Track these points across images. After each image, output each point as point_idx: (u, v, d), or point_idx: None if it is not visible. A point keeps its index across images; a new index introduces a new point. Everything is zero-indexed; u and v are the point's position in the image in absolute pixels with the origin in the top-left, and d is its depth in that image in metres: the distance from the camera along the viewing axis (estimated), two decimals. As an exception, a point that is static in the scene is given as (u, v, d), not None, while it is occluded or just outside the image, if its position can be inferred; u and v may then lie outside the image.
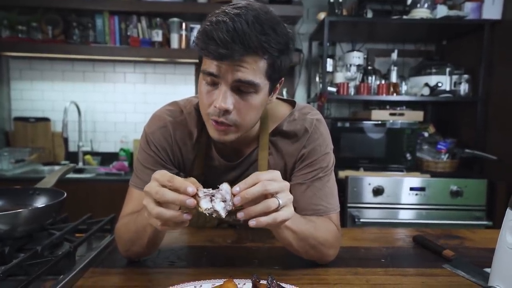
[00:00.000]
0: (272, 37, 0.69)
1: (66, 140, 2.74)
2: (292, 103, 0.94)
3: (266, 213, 0.63)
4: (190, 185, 0.61)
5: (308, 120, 0.89)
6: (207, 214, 0.61)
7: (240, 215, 0.62)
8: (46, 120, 2.73)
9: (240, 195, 0.61)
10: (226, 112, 0.72)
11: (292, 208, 0.67)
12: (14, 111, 2.76)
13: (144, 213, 0.71)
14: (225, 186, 0.62)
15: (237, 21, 0.66)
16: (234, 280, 0.62)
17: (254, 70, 0.70)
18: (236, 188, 0.62)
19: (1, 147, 2.62)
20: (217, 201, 0.61)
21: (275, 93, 0.82)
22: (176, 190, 0.61)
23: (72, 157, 2.71)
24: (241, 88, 0.72)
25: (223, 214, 0.61)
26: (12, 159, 2.37)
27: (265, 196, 0.63)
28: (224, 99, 0.71)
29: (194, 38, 0.76)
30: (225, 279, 0.64)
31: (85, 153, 2.70)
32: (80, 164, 2.64)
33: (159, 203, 0.63)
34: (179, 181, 0.61)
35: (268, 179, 0.63)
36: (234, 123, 0.74)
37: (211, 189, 0.63)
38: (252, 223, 0.63)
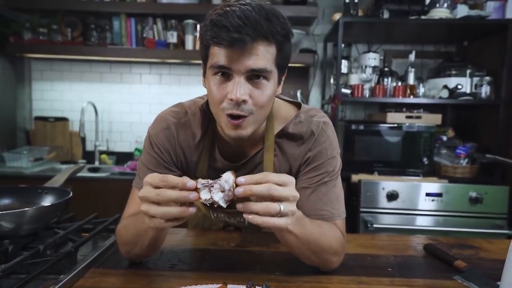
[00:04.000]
0: (276, 23, 0.71)
1: (83, 140, 2.81)
2: (297, 104, 0.93)
3: (263, 215, 0.62)
4: (189, 179, 0.62)
5: (314, 122, 0.87)
6: (208, 204, 0.62)
7: (239, 206, 0.63)
8: (64, 119, 2.81)
9: (243, 188, 0.61)
10: (242, 102, 0.72)
11: (290, 220, 0.65)
12: (35, 111, 2.84)
13: (144, 218, 0.70)
14: (226, 176, 0.62)
15: (245, 9, 0.68)
16: (229, 285, 0.61)
17: (265, 57, 0.71)
18: (241, 179, 0.62)
19: (21, 146, 2.71)
20: (215, 191, 0.61)
21: (280, 85, 0.82)
22: (173, 188, 0.62)
23: (89, 156, 2.77)
24: (254, 77, 0.72)
25: (222, 204, 0.61)
26: (32, 157, 2.44)
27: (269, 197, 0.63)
28: (240, 89, 0.70)
29: (200, 32, 0.76)
30: (219, 284, 0.63)
31: (101, 152, 2.75)
32: (96, 163, 2.69)
33: (159, 204, 0.63)
34: (173, 178, 0.62)
35: (277, 183, 0.63)
36: (250, 112, 0.74)
37: (209, 180, 0.63)
38: (248, 217, 0.63)
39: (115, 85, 2.84)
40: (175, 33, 2.56)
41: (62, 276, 0.71)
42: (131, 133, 2.86)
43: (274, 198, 0.62)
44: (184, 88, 2.84)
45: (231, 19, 0.67)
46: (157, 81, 2.84)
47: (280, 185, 0.63)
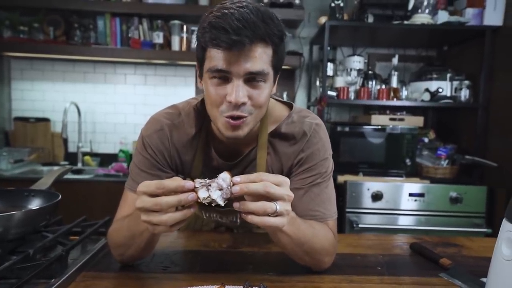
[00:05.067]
0: (272, 25, 0.72)
1: (65, 141, 2.74)
2: (289, 105, 0.94)
3: (260, 214, 0.63)
4: (186, 181, 0.62)
5: (306, 123, 0.89)
6: (206, 204, 0.62)
7: (236, 205, 0.64)
8: (46, 120, 2.73)
9: (239, 186, 0.62)
10: (241, 105, 0.72)
11: (286, 219, 0.66)
12: (15, 111, 2.76)
13: (138, 219, 0.70)
14: (223, 175, 0.63)
15: (243, 12, 0.69)
16: (226, 286, 0.61)
17: (262, 59, 0.72)
18: (237, 178, 0.63)
19: (0, 147, 2.62)
20: (213, 190, 0.62)
21: (274, 85, 0.83)
22: (170, 192, 0.61)
23: (72, 157, 2.71)
24: (252, 79, 0.73)
25: (220, 202, 0.62)
26: (11, 159, 2.36)
27: (265, 197, 0.64)
28: (239, 92, 0.71)
29: (197, 34, 0.76)
30: (217, 285, 0.63)
31: (85, 154, 2.70)
32: (79, 165, 2.64)
33: (158, 211, 0.62)
34: (170, 183, 0.62)
35: (273, 182, 0.64)
36: (249, 113, 0.75)
37: (207, 179, 0.63)
38: (247, 217, 0.64)
39: (99, 85, 2.79)
40: (161, 34, 2.54)
41: (53, 280, 0.70)
42: (115, 134, 2.82)
43: (270, 196, 0.63)
44: (170, 89, 2.82)
45: (230, 22, 0.67)
46: (142, 82, 2.81)
47: (275, 184, 0.64)
